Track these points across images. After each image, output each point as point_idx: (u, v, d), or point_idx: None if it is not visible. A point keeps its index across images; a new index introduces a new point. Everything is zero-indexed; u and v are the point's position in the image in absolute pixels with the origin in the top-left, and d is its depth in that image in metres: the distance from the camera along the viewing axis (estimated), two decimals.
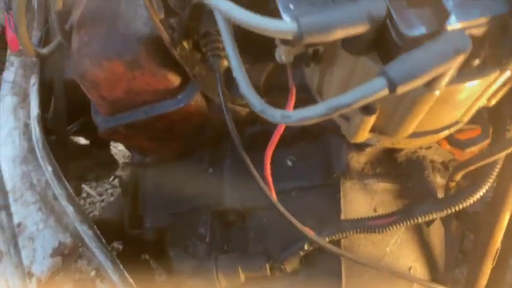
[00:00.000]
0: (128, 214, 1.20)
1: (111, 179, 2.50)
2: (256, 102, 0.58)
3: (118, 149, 2.55)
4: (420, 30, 0.50)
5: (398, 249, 0.98)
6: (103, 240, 0.96)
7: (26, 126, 1.16)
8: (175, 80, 0.87)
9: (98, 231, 0.96)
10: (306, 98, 0.76)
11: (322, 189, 0.96)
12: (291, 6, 0.53)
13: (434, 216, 0.85)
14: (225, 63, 0.82)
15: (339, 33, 0.50)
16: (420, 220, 0.86)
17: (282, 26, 0.50)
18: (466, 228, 1.17)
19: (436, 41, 0.48)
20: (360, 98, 0.48)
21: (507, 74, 0.58)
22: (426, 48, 0.48)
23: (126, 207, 1.22)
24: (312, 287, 0.92)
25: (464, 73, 0.54)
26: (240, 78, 0.59)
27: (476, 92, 0.62)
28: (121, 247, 1.46)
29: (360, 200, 0.95)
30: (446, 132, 0.70)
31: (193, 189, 1.09)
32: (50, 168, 1.10)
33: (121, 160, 2.29)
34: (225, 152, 1.07)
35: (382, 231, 0.87)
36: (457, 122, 0.69)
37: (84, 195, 2.51)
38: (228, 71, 0.85)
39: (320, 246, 0.86)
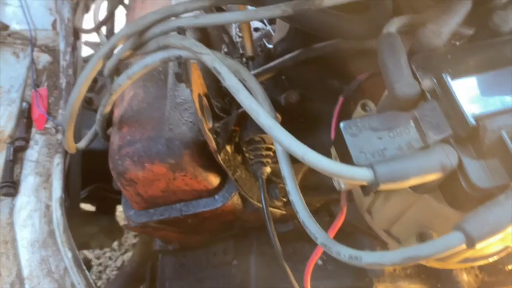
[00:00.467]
0: None
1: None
2: (319, 235, 0.58)
3: (119, 211, 2.51)
4: (491, 183, 0.51)
5: None
6: None
7: (47, 208, 1.13)
8: (214, 181, 0.87)
9: None
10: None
11: None
12: (364, 151, 0.54)
13: None
14: (268, 169, 0.83)
15: (413, 181, 0.51)
16: None
17: (358, 174, 0.51)
18: None
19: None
20: (437, 252, 0.48)
21: None
22: (503, 204, 0.49)
23: None
24: None
25: None
26: (300, 209, 0.61)
27: None
28: None
29: None
30: (495, 257, 0.70)
31: (217, 281, 1.07)
32: (69, 254, 1.07)
33: (121, 222, 2.24)
34: (250, 245, 1.06)
35: None
36: (506, 248, 0.70)
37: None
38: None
39: None
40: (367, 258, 0.52)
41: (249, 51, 0.91)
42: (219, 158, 0.81)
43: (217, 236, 1.07)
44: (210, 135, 0.76)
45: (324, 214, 0.96)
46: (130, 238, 2.51)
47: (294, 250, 1.03)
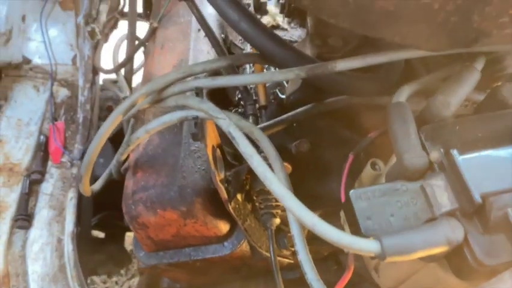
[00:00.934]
0: None
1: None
2: None
3: (127, 235, 2.52)
4: (496, 260, 0.52)
5: None
6: None
7: (59, 241, 1.15)
8: (224, 228, 0.88)
9: None
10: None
11: None
12: (372, 219, 0.56)
13: None
14: (277, 221, 0.84)
15: (419, 254, 0.53)
16: None
17: (366, 246, 0.52)
18: None
19: None
20: None
21: None
22: (506, 282, 0.50)
23: None
24: None
25: None
26: (308, 270, 0.62)
27: None
28: None
29: None
30: None
31: None
32: None
33: (128, 248, 2.25)
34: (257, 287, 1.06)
35: None
36: None
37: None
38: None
39: None
40: None
41: (263, 101, 0.94)
42: (230, 207, 0.83)
43: (225, 279, 1.07)
44: (222, 186, 0.78)
45: (331, 263, 0.96)
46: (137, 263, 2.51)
47: None
